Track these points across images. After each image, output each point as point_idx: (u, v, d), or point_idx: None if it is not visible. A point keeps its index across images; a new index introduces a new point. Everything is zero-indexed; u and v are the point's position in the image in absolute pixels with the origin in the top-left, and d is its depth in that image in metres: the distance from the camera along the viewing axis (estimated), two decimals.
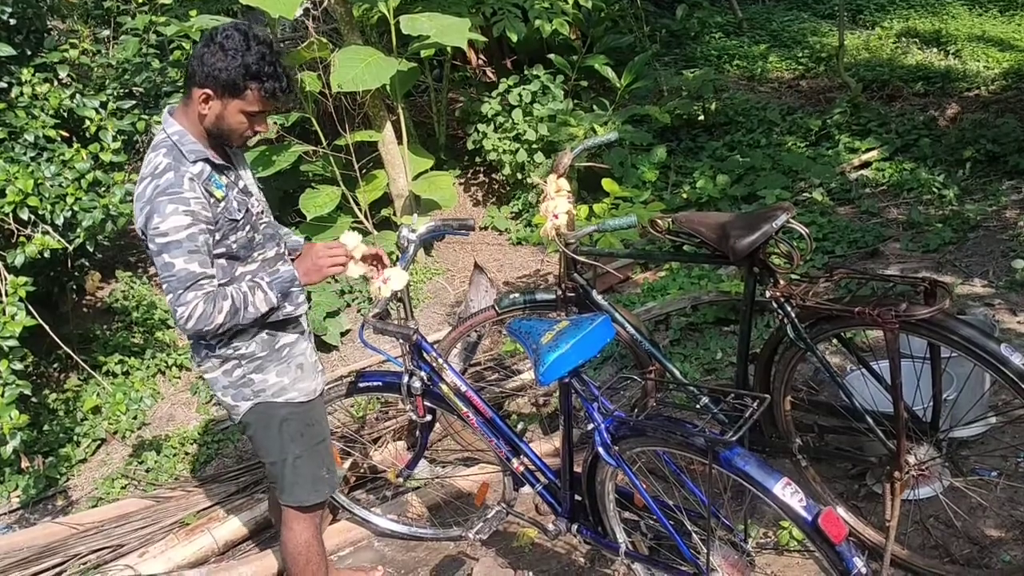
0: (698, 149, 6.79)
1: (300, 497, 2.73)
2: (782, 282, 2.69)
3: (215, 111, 2.41)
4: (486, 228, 6.45)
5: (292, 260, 2.72)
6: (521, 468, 2.88)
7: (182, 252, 2.34)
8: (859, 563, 2.01)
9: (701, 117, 7.05)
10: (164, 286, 2.37)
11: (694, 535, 2.42)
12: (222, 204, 2.45)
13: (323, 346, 5.22)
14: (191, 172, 2.40)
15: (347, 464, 3.76)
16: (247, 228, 2.53)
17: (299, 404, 2.67)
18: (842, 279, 2.79)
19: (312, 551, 2.81)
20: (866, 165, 6.21)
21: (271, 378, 2.61)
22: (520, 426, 4.00)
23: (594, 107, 6.82)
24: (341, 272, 2.65)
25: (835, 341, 3.00)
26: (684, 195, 6.01)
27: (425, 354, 2.96)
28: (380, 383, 3.11)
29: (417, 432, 3.25)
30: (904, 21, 9.35)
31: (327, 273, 2.63)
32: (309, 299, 2.64)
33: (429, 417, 3.09)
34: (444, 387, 2.93)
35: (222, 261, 2.49)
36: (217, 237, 2.44)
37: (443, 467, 3.87)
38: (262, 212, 2.63)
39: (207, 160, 2.46)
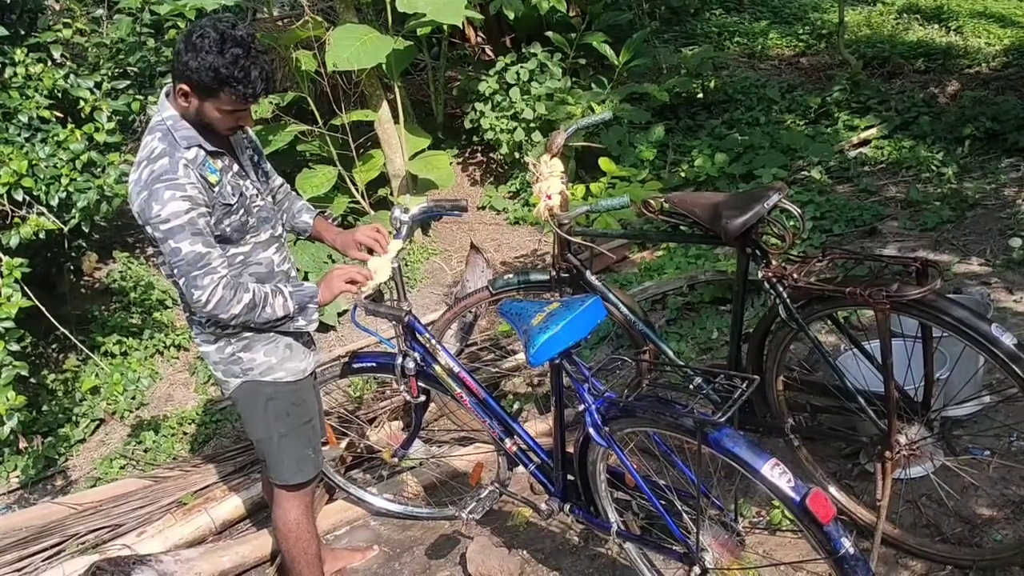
0: (697, 127, 6.76)
1: (285, 476, 2.76)
2: (775, 262, 2.69)
3: (194, 106, 2.41)
4: (483, 208, 6.44)
5: (296, 241, 2.73)
6: (514, 448, 2.89)
7: (186, 236, 2.36)
8: (847, 543, 2.02)
9: (700, 95, 7.01)
10: (175, 271, 2.40)
11: (685, 515, 2.43)
12: (216, 188, 2.46)
13: (321, 326, 5.23)
14: (185, 158, 2.40)
15: (343, 444, 3.77)
16: (240, 212, 2.54)
17: (286, 384, 2.68)
18: (835, 259, 2.78)
19: (302, 529, 2.83)
20: (865, 143, 6.18)
21: (259, 357, 2.63)
22: (515, 406, 4.01)
23: (592, 85, 6.79)
24: (352, 292, 2.70)
25: (828, 321, 3.00)
26: (682, 174, 5.99)
27: (419, 335, 2.96)
28: (374, 364, 3.12)
29: (412, 412, 3.26)
30: None
31: (337, 293, 2.67)
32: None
33: (423, 397, 3.10)
34: (437, 368, 2.94)
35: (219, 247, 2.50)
36: (212, 221, 2.46)
37: (438, 447, 3.88)
38: (256, 195, 2.62)
39: (200, 146, 2.46)
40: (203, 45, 2.30)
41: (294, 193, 2.96)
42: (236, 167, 2.58)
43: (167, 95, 2.49)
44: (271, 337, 2.63)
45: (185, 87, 2.37)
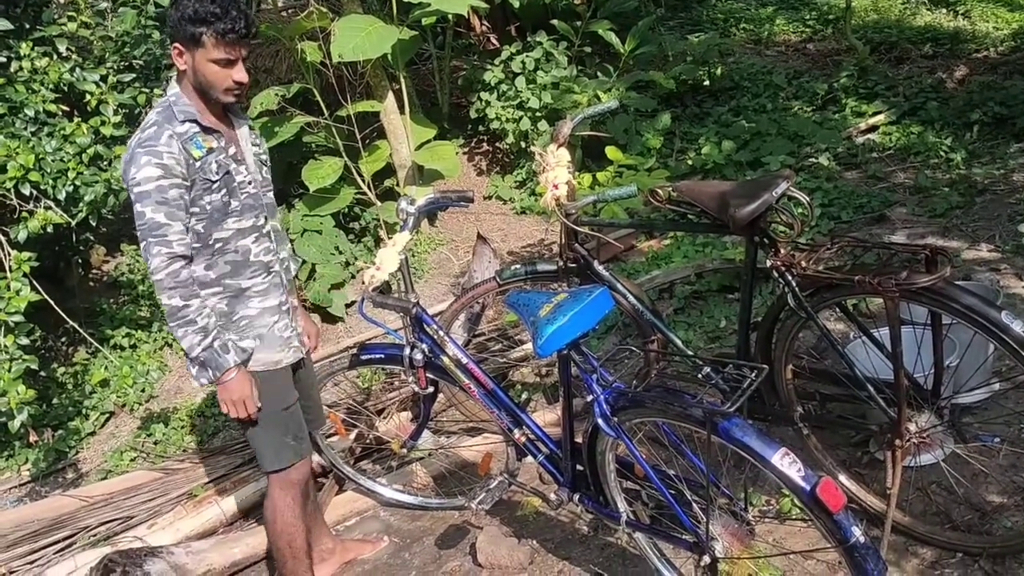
0: (703, 115, 6.73)
1: (267, 463, 2.79)
2: (783, 250, 2.68)
3: (190, 65, 2.50)
4: (490, 198, 6.43)
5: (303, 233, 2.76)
6: (523, 439, 2.90)
7: (151, 202, 2.41)
8: (857, 532, 2.02)
9: (706, 82, 6.98)
10: (139, 235, 2.45)
11: (694, 504, 2.43)
12: (199, 163, 2.50)
13: (328, 318, 5.24)
14: (175, 130, 2.47)
15: (352, 435, 3.78)
16: (223, 191, 2.57)
17: (255, 373, 2.66)
18: (843, 247, 2.77)
19: (285, 520, 2.84)
20: (873, 129, 6.15)
21: (242, 343, 2.64)
22: (524, 396, 4.01)
23: (598, 73, 6.76)
24: (233, 415, 2.64)
25: (837, 309, 2.99)
26: (689, 161, 5.98)
27: (426, 326, 2.97)
28: (383, 355, 3.12)
29: (420, 403, 3.27)
30: None
31: (226, 398, 2.61)
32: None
33: (431, 389, 3.10)
34: (445, 359, 2.94)
35: (198, 226, 2.54)
36: (190, 196, 2.49)
37: (447, 437, 3.89)
38: (249, 182, 2.65)
39: (195, 121, 2.53)
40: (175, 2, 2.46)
41: (285, 235, 2.98)
42: (233, 150, 2.62)
43: (177, 80, 2.57)
44: (240, 327, 2.66)
45: (178, 46, 2.49)
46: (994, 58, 6.93)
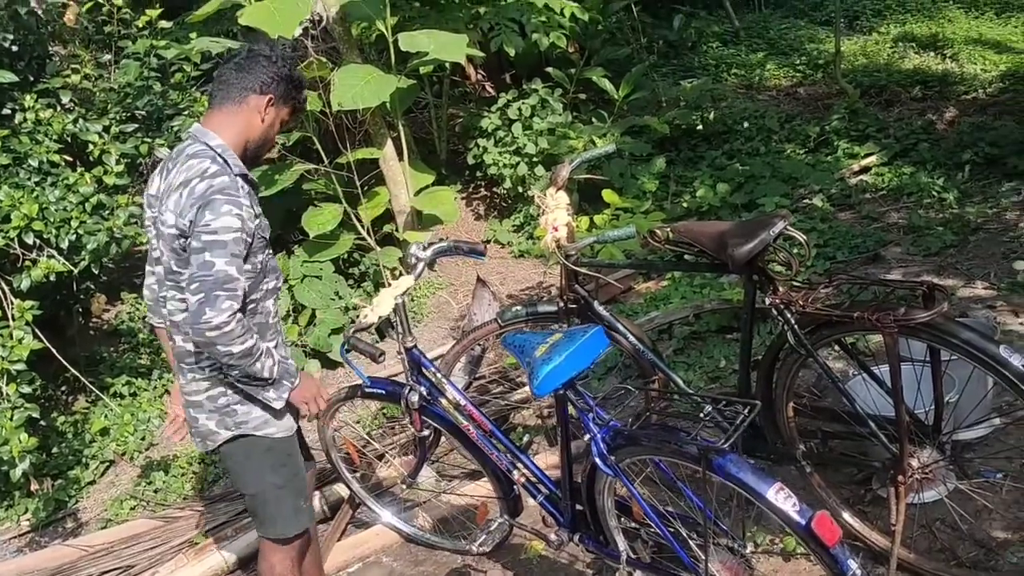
0: (697, 158, 6.81)
1: (281, 528, 2.69)
2: (781, 289, 2.70)
3: (271, 118, 2.54)
4: (488, 241, 6.48)
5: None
6: (522, 480, 2.90)
7: (225, 254, 2.31)
8: (854, 565, 2.02)
9: (700, 127, 7.07)
10: (194, 285, 2.30)
11: (693, 542, 2.43)
12: (258, 220, 2.48)
13: (328, 363, 5.24)
14: (240, 183, 2.44)
15: (357, 475, 3.78)
16: (269, 251, 2.58)
17: (278, 439, 2.62)
18: (842, 284, 2.80)
19: None
20: (865, 170, 6.23)
21: (255, 411, 2.56)
22: (525, 438, 4.01)
23: (593, 119, 6.86)
24: (305, 411, 2.64)
25: (836, 347, 3.01)
26: (685, 204, 6.04)
27: (424, 370, 2.98)
28: (384, 392, 3.14)
29: (418, 445, 3.27)
30: (900, 26, 9.38)
31: (302, 396, 2.60)
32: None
33: (427, 432, 3.11)
34: (444, 402, 2.95)
35: (246, 285, 2.44)
36: (246, 253, 2.43)
37: (448, 481, 3.88)
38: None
39: (245, 176, 2.50)
40: (276, 56, 2.53)
41: None
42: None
43: (204, 126, 2.52)
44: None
45: (271, 96, 2.51)
46: (983, 99, 7.04)
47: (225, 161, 2.44)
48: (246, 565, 3.64)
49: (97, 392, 4.94)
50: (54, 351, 4.49)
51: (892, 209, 5.58)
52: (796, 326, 2.66)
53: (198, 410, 2.57)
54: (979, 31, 8.91)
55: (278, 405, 2.54)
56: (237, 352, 2.34)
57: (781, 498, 2.10)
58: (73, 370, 4.76)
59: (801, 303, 2.61)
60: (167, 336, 2.65)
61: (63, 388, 5.22)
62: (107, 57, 5.31)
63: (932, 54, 8.38)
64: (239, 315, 2.34)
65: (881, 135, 6.57)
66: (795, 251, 2.78)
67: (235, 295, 2.32)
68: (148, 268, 2.68)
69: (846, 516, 2.88)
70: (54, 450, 4.69)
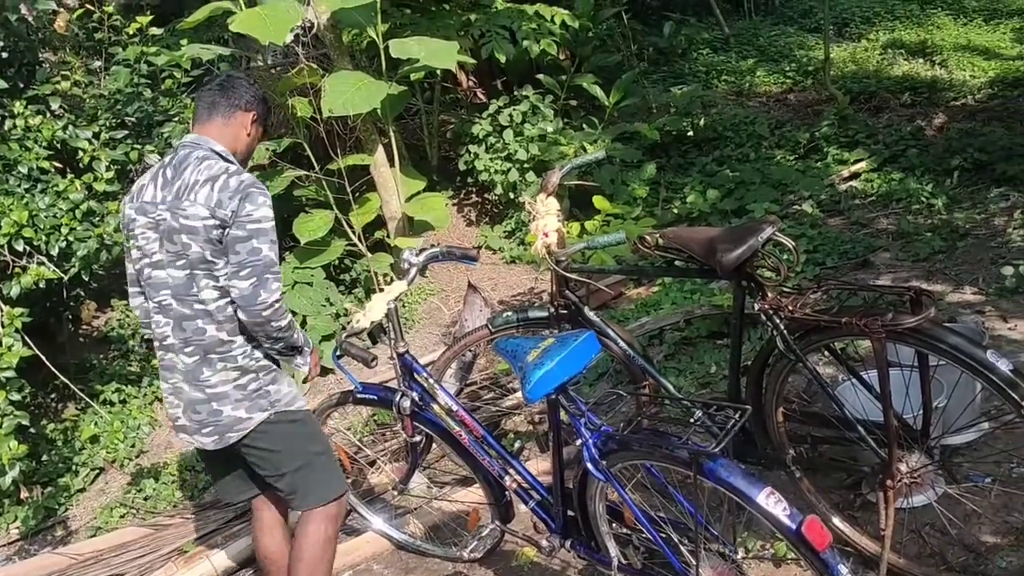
0: (688, 165, 6.84)
1: (330, 491, 2.82)
2: (771, 294, 2.71)
3: (255, 134, 2.78)
4: (479, 247, 6.49)
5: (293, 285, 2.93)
6: (514, 486, 2.90)
7: (267, 240, 2.54)
8: (844, 570, 2.03)
9: (690, 133, 7.10)
10: (245, 271, 2.51)
11: (684, 548, 2.44)
12: None
13: (320, 370, 5.23)
14: None
15: (349, 481, 3.77)
16: None
17: (307, 412, 2.85)
18: (830, 290, 2.81)
19: (334, 546, 2.87)
20: (855, 176, 6.26)
21: (283, 388, 2.75)
22: (516, 445, 4.01)
23: (584, 126, 6.88)
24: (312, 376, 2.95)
25: (825, 352, 3.02)
26: (675, 210, 6.06)
27: (416, 375, 2.98)
28: (375, 397, 3.14)
29: (410, 450, 3.27)
30: (890, 33, 9.44)
31: (309, 364, 2.86)
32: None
33: (418, 437, 3.11)
34: (436, 407, 2.95)
35: None
36: None
37: (440, 488, 3.87)
38: None
39: None
40: (253, 80, 2.80)
41: None
42: None
43: (197, 136, 2.70)
44: (285, 370, 2.81)
45: (255, 114, 2.75)
46: (972, 105, 7.08)
47: (235, 163, 2.68)
48: (236, 573, 3.63)
49: (87, 399, 4.93)
50: (44, 358, 4.47)
51: (881, 215, 5.61)
52: (785, 331, 2.67)
53: (222, 402, 2.65)
54: (968, 37, 8.98)
55: (306, 369, 2.82)
56: (284, 326, 2.62)
57: (772, 503, 2.11)
58: (63, 377, 4.74)
59: (790, 308, 2.62)
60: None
61: (53, 395, 5.20)
62: (97, 64, 5.30)
63: (921, 60, 8.44)
64: (281, 292, 2.60)
65: (870, 141, 6.61)
66: (784, 257, 2.79)
67: (279, 276, 2.58)
68: (134, 289, 2.81)
69: (836, 521, 2.89)
70: (44, 458, 4.67)
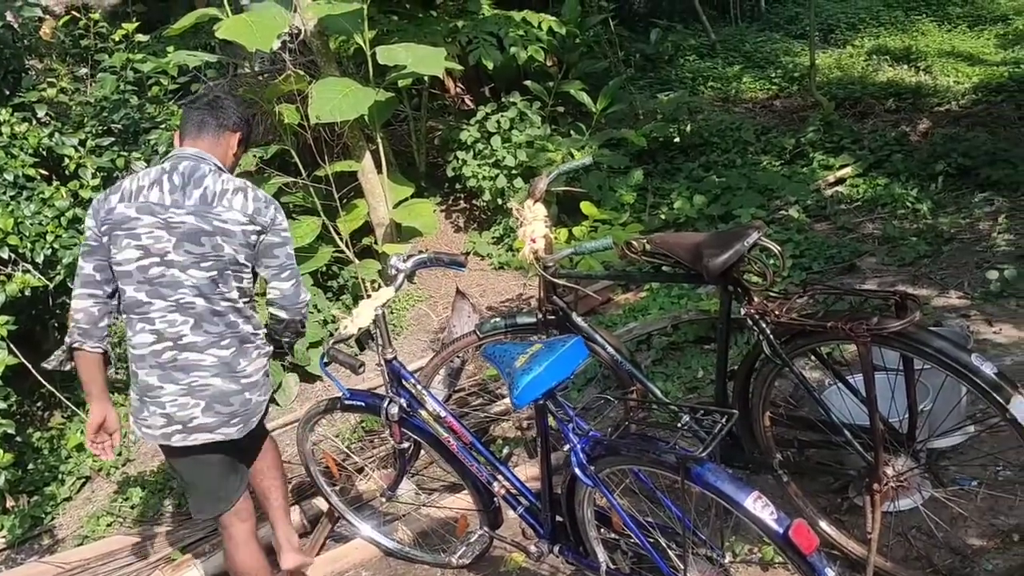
0: (675, 171, 6.86)
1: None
2: (757, 299, 2.72)
3: (239, 154, 2.93)
4: (468, 254, 6.49)
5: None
6: (502, 491, 2.90)
7: (292, 246, 2.86)
8: (831, 573, 2.04)
9: (677, 139, 7.13)
10: (286, 273, 2.81)
11: (671, 552, 2.44)
12: None
13: (307, 377, 5.23)
14: None
15: (337, 488, 3.76)
16: None
17: None
18: (816, 295, 2.82)
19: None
20: (840, 182, 6.29)
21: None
22: (505, 450, 4.01)
23: (571, 132, 6.89)
24: None
25: (811, 356, 3.03)
26: (662, 216, 6.07)
27: (404, 381, 2.98)
28: (363, 404, 3.14)
29: (398, 457, 3.27)
30: (875, 39, 9.50)
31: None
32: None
33: (406, 444, 3.11)
34: (424, 414, 2.95)
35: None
36: None
37: (428, 495, 3.87)
38: None
39: None
40: (239, 100, 3.05)
41: None
42: None
43: (199, 150, 2.81)
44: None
45: (241, 134, 2.91)
46: (956, 111, 7.13)
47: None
48: None
49: (73, 408, 4.90)
50: (29, 366, 4.45)
51: (867, 220, 5.64)
52: (771, 336, 2.68)
53: (253, 390, 2.81)
54: (952, 44, 9.05)
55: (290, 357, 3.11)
56: (306, 308, 2.93)
57: (759, 507, 2.12)
58: (49, 386, 4.72)
59: (776, 313, 2.63)
60: (99, 363, 2.79)
61: (39, 404, 5.17)
62: (83, 71, 5.29)
63: (906, 67, 8.49)
64: None
65: (856, 147, 6.65)
66: (770, 262, 2.80)
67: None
68: (85, 291, 2.70)
69: (823, 525, 2.90)
70: (30, 466, 4.64)
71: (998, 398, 2.34)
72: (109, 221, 2.66)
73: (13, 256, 4.25)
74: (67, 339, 2.76)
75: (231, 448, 2.82)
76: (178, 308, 2.65)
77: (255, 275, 2.82)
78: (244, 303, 2.77)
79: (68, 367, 2.96)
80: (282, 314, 2.86)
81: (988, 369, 2.36)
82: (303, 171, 5.66)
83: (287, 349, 3.07)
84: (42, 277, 4.36)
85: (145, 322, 2.67)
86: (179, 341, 2.66)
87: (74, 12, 5.22)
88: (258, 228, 2.72)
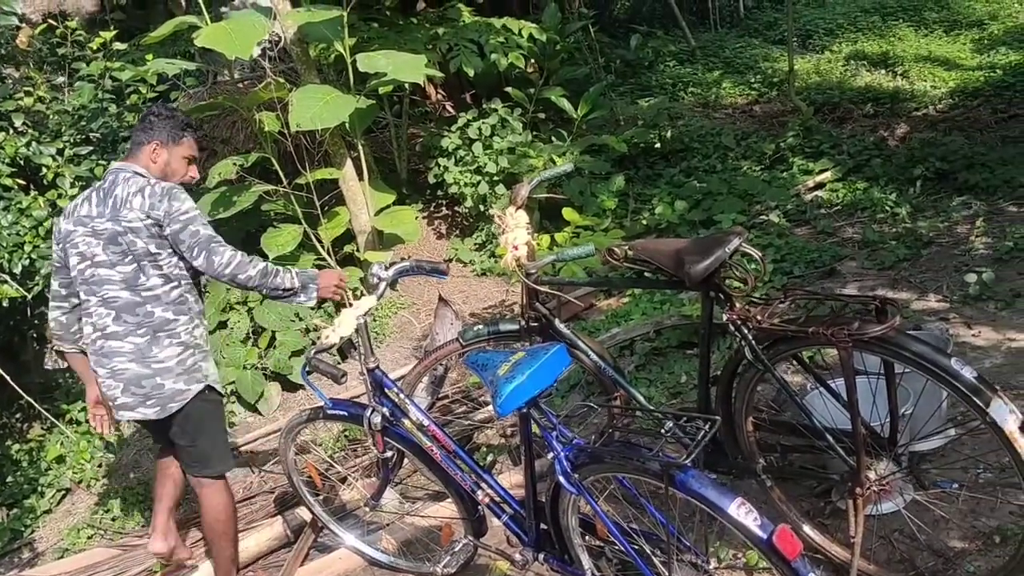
0: (656, 176, 6.88)
1: (226, 464, 3.29)
2: (738, 305, 2.73)
3: (163, 156, 3.19)
4: (450, 260, 6.48)
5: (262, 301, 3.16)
6: (486, 500, 2.89)
7: (200, 223, 3.01)
8: None
9: (658, 145, 7.15)
10: (194, 251, 2.97)
11: (657, 559, 2.44)
12: None
13: (289, 386, 5.20)
14: None
15: (320, 498, 3.74)
16: None
17: (220, 392, 3.27)
18: (797, 299, 2.83)
19: (233, 507, 3.32)
20: (820, 186, 6.33)
21: (210, 367, 3.21)
22: (489, 458, 4.00)
23: (552, 138, 6.90)
24: (336, 297, 3.12)
25: (793, 361, 3.04)
26: (644, 222, 6.09)
27: (387, 390, 2.97)
28: (346, 413, 3.12)
29: (381, 466, 3.25)
30: (852, 44, 9.58)
31: (328, 290, 3.12)
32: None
33: (390, 453, 3.09)
34: (407, 422, 2.94)
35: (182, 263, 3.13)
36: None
37: (412, 503, 3.86)
38: None
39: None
40: (165, 113, 3.24)
41: None
42: None
43: (123, 163, 3.17)
44: (209, 352, 3.24)
45: (158, 144, 3.16)
46: (933, 116, 7.20)
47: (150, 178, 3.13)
48: None
49: (52, 419, 4.86)
50: (7, 378, 4.41)
51: (847, 224, 5.68)
52: (753, 341, 2.69)
53: (166, 376, 3.06)
54: (929, 49, 9.14)
55: (312, 304, 3.15)
56: (256, 274, 2.98)
57: (743, 513, 2.12)
58: (27, 397, 4.67)
59: (758, 319, 2.64)
60: (82, 359, 3.23)
61: (18, 415, 5.12)
62: (61, 79, 5.25)
63: (883, 72, 8.57)
64: (238, 252, 2.98)
65: (835, 151, 6.69)
66: (752, 267, 2.81)
67: (223, 243, 3.01)
68: (54, 303, 3.21)
69: (806, 529, 2.91)
70: (8, 479, 4.59)
71: (978, 401, 2.35)
72: (60, 240, 3.13)
73: None
74: (54, 342, 3.29)
75: (160, 426, 3.18)
76: (103, 303, 3.04)
77: (182, 258, 3.05)
78: (171, 288, 3.05)
79: (64, 365, 3.60)
80: (220, 282, 3.08)
81: (968, 373, 2.38)
82: (284, 179, 5.63)
83: (280, 297, 3.10)
84: (20, 288, 4.31)
85: (87, 316, 3.09)
86: (105, 331, 3.05)
87: (51, 20, 5.18)
88: (155, 221, 3.00)
